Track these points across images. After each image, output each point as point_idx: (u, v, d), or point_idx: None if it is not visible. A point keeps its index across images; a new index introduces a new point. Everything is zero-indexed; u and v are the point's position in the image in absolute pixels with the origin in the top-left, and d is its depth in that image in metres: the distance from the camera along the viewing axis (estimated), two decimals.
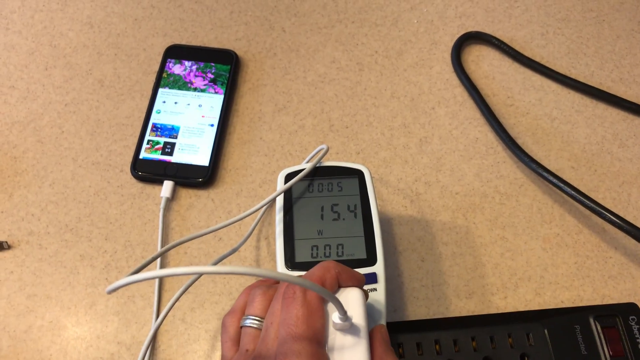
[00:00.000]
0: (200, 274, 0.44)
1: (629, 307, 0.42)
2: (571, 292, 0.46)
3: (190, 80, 0.55)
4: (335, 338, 0.30)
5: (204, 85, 0.54)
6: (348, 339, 0.30)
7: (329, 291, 0.28)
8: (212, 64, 0.56)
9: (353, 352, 0.29)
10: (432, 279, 0.46)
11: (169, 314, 0.45)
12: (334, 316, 0.29)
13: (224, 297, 0.46)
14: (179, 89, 0.54)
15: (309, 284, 0.27)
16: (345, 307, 0.30)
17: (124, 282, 0.25)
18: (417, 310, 0.45)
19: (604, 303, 0.45)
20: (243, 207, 0.50)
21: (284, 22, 0.59)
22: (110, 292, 0.25)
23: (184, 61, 0.56)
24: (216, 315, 0.45)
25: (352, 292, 0.31)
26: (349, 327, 0.30)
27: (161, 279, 0.47)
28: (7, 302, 0.46)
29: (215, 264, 0.45)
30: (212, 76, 0.55)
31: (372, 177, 0.42)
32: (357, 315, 0.30)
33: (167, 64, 0.56)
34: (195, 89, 0.54)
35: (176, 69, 0.55)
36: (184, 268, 0.24)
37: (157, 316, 0.45)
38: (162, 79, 0.55)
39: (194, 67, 0.55)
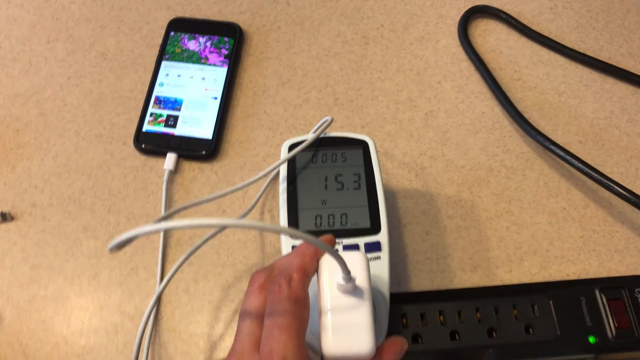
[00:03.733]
0: (210, 227, 0.44)
1: (636, 280, 0.41)
2: (577, 265, 0.45)
3: (205, 56, 0.54)
4: (338, 300, 0.29)
5: (220, 62, 0.54)
6: (351, 301, 0.29)
7: (331, 248, 0.28)
8: (226, 39, 0.55)
9: (355, 313, 0.29)
10: (436, 252, 0.46)
11: (172, 285, 0.45)
12: (338, 277, 0.29)
13: (228, 268, 0.46)
14: (184, 61, 0.54)
15: (320, 243, 0.27)
16: (352, 270, 0.29)
17: (130, 234, 0.25)
18: (421, 282, 0.45)
19: (610, 276, 0.44)
20: (246, 180, 0.49)
21: None
22: (113, 248, 0.25)
23: (198, 37, 0.55)
24: (219, 287, 0.45)
25: (356, 255, 0.31)
26: (352, 289, 0.30)
27: (165, 251, 0.46)
28: (10, 272, 0.46)
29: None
30: (226, 52, 0.54)
31: (376, 148, 0.41)
32: (361, 277, 0.30)
33: (182, 39, 0.55)
34: (206, 64, 0.53)
35: (191, 44, 0.55)
36: (191, 220, 0.24)
37: (161, 290, 0.45)
38: (176, 55, 0.54)
39: (209, 43, 0.55)
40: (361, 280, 0.30)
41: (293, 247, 0.37)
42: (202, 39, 0.55)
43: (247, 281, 0.45)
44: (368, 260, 0.31)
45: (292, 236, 0.26)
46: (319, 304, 0.30)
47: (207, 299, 0.45)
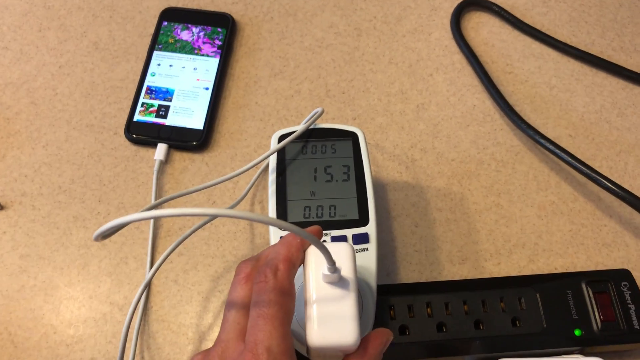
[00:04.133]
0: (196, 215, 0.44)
1: (622, 273, 0.42)
2: (565, 259, 0.46)
3: (198, 46, 0.54)
4: (324, 290, 0.30)
5: (212, 52, 0.53)
6: (336, 292, 0.30)
7: (317, 239, 0.28)
8: (219, 30, 0.55)
9: (340, 304, 0.29)
10: (425, 244, 0.46)
11: (162, 275, 0.45)
12: (323, 268, 0.29)
13: (217, 259, 0.46)
14: (176, 51, 0.54)
15: (305, 234, 0.27)
16: (337, 261, 0.30)
17: (114, 223, 0.25)
18: (410, 274, 0.45)
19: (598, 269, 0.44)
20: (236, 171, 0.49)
21: None
22: (98, 236, 0.25)
23: (191, 27, 0.55)
24: (209, 278, 0.45)
25: (342, 247, 0.31)
26: (337, 280, 0.30)
27: (154, 241, 0.46)
28: (0, 261, 0.46)
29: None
30: (219, 42, 0.54)
31: (366, 140, 0.41)
32: (347, 268, 0.30)
33: (175, 29, 0.55)
34: (199, 54, 0.53)
35: (184, 35, 0.54)
36: (175, 209, 0.24)
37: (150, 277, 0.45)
38: (169, 45, 0.54)
39: (202, 34, 0.54)
40: (347, 271, 0.30)
41: (281, 237, 0.37)
42: (195, 29, 0.55)
43: None
44: (354, 251, 0.31)
45: (280, 227, 0.26)
46: (305, 294, 0.30)
47: (196, 290, 0.45)
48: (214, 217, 0.44)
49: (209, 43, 0.54)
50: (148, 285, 0.41)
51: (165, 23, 0.55)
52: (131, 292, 0.45)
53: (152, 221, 0.47)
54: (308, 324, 0.29)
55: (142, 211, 0.26)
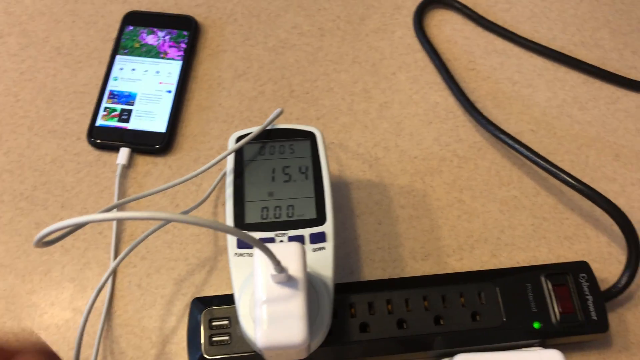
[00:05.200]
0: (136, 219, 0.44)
1: (580, 265, 0.42)
2: (527, 253, 0.46)
3: (164, 50, 0.54)
4: (272, 291, 0.30)
5: (177, 55, 0.53)
6: (285, 291, 0.30)
7: (259, 240, 0.28)
8: (185, 33, 0.55)
9: (289, 304, 0.29)
10: (388, 241, 0.46)
11: (125, 279, 0.45)
12: (271, 268, 0.29)
13: (181, 262, 0.46)
14: (142, 56, 0.53)
15: (249, 237, 0.27)
16: (284, 261, 0.30)
17: (52, 228, 0.25)
18: (373, 272, 0.45)
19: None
20: (200, 174, 0.49)
21: None
22: (37, 243, 0.25)
23: (157, 31, 0.55)
24: (172, 281, 0.45)
25: (291, 246, 0.31)
26: (286, 280, 0.30)
27: (117, 245, 0.46)
28: None
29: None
30: (185, 46, 0.54)
31: (324, 139, 0.41)
32: (295, 268, 0.30)
33: (140, 34, 0.54)
34: (165, 58, 0.53)
35: (150, 39, 0.54)
36: (116, 214, 0.24)
37: (112, 285, 0.45)
38: (134, 49, 0.54)
39: (167, 37, 0.54)
40: (295, 271, 0.30)
41: (238, 239, 0.37)
42: (161, 34, 0.55)
43: (199, 275, 0.45)
44: (304, 250, 0.31)
45: (220, 230, 0.26)
46: (254, 296, 0.30)
47: (160, 293, 0.45)
48: (164, 222, 0.44)
49: (175, 47, 0.54)
50: (100, 290, 0.41)
51: (131, 27, 0.55)
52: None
53: (114, 225, 0.47)
54: (257, 326, 0.29)
55: (82, 216, 0.26)
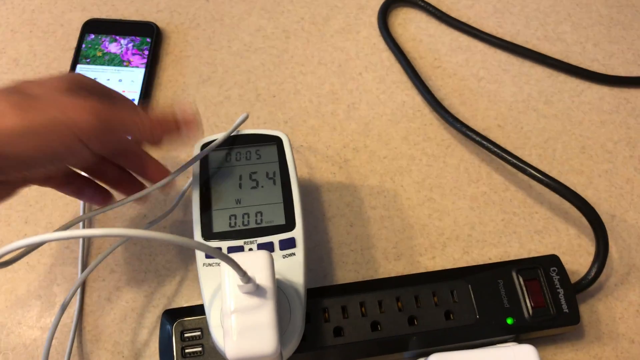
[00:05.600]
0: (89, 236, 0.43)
1: (550, 259, 0.42)
2: (498, 248, 0.46)
3: (127, 59, 0.53)
4: (240, 301, 0.29)
5: (141, 63, 0.52)
6: (253, 301, 0.29)
7: (225, 253, 0.27)
8: (148, 40, 0.54)
9: (258, 314, 0.29)
10: (360, 243, 0.46)
11: (94, 294, 0.44)
12: (238, 279, 0.29)
13: (150, 274, 0.45)
14: (105, 64, 0.52)
15: (212, 250, 0.26)
16: (251, 270, 0.29)
17: (8, 249, 0.24)
18: (347, 274, 0.45)
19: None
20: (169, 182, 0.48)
21: None
22: None
23: (119, 39, 0.53)
24: (143, 293, 0.44)
25: (258, 255, 0.31)
26: (254, 289, 0.29)
27: (85, 260, 0.45)
28: None
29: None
30: (147, 52, 0.53)
31: (290, 143, 0.41)
32: (263, 276, 0.30)
33: (102, 42, 0.53)
34: (129, 66, 0.52)
35: (112, 47, 0.53)
36: (67, 232, 0.23)
37: (80, 300, 0.44)
38: (97, 58, 0.53)
39: (130, 45, 0.53)
40: (263, 280, 0.30)
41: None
42: (123, 41, 0.54)
43: (170, 286, 0.44)
44: (271, 258, 0.31)
45: (183, 245, 0.25)
46: (223, 307, 0.30)
47: (130, 306, 0.44)
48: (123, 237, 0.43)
49: (139, 54, 0.53)
50: (66, 306, 0.40)
51: (92, 36, 0.54)
52: (65, 313, 0.43)
53: (80, 239, 0.46)
54: (226, 337, 0.29)
55: (37, 235, 0.25)
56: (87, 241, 0.46)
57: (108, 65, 0.52)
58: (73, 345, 0.42)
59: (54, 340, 0.42)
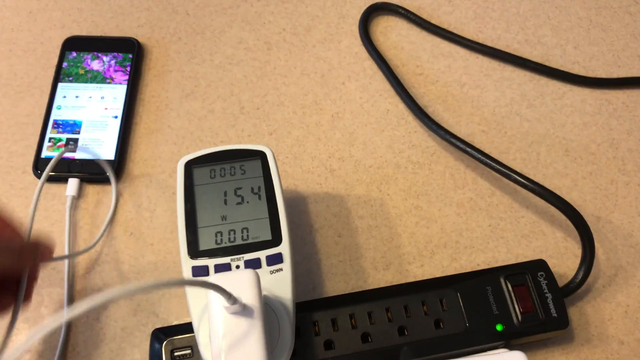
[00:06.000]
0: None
1: (538, 264, 0.42)
2: (486, 254, 0.46)
3: (110, 76, 0.52)
4: (227, 323, 0.29)
5: (123, 80, 0.52)
6: (241, 321, 0.29)
7: (208, 281, 0.27)
8: (131, 56, 0.53)
9: (246, 334, 0.29)
10: (349, 253, 0.46)
11: (83, 315, 0.44)
12: (224, 300, 0.29)
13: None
14: (87, 82, 0.52)
15: (192, 281, 0.26)
16: (237, 291, 0.29)
17: None
18: (336, 285, 0.45)
19: (518, 262, 0.45)
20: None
21: (187, 4, 0.57)
22: None
23: (102, 56, 0.53)
24: (131, 312, 0.44)
25: (243, 274, 0.31)
26: (241, 310, 0.29)
27: (71, 280, 0.45)
28: None
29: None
30: (129, 68, 0.53)
31: (274, 157, 0.41)
32: (249, 296, 0.30)
33: (84, 60, 0.53)
34: (111, 83, 0.52)
35: (95, 64, 0.53)
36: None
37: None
38: (79, 76, 0.52)
39: (113, 62, 0.53)
40: (249, 299, 0.30)
41: (193, 267, 0.37)
42: (105, 58, 0.53)
43: (159, 304, 0.44)
44: (256, 277, 0.31)
45: (161, 287, 0.25)
46: (210, 328, 0.30)
47: (119, 326, 0.44)
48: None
49: (121, 71, 0.53)
50: (66, 340, 0.39)
51: (75, 54, 0.54)
52: (51, 336, 0.43)
53: (66, 262, 0.45)
54: (215, 358, 0.29)
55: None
56: (73, 262, 0.46)
57: (90, 82, 0.52)
58: None
59: None
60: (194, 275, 0.36)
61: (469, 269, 0.46)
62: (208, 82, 0.54)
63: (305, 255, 0.46)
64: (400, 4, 0.57)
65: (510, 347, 0.40)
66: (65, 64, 0.53)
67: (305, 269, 0.45)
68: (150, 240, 0.46)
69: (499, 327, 0.40)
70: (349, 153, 0.50)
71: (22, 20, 0.57)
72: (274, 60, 0.55)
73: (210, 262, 0.37)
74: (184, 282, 0.26)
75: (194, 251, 0.37)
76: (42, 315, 0.44)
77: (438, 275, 0.45)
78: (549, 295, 0.41)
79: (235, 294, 0.28)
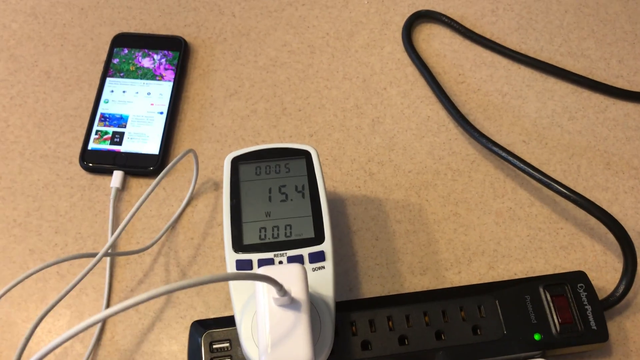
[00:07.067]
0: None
1: (577, 275, 0.42)
2: (524, 264, 0.46)
3: (160, 73, 0.53)
4: (275, 314, 0.30)
5: (173, 78, 0.53)
6: (288, 314, 0.30)
7: (261, 273, 0.28)
8: (179, 54, 0.54)
9: (293, 326, 0.29)
10: (386, 257, 0.46)
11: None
12: (273, 292, 0.29)
13: None
14: (138, 78, 0.53)
15: (247, 274, 0.27)
16: (286, 283, 0.30)
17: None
18: (372, 288, 0.45)
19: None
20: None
21: (233, 6, 0.59)
22: None
23: (152, 54, 0.54)
24: (170, 304, 0.45)
25: (292, 268, 0.31)
26: (289, 302, 0.30)
27: (112, 270, 0.46)
28: None
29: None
30: (176, 66, 0.54)
31: (319, 157, 0.41)
32: (297, 289, 0.30)
33: (136, 57, 0.54)
34: (162, 80, 0.53)
35: (145, 62, 0.54)
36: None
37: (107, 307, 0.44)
38: (130, 73, 0.53)
39: (163, 60, 0.54)
40: (297, 293, 0.30)
41: (237, 260, 0.37)
42: (156, 56, 0.54)
43: (199, 297, 0.45)
44: (305, 272, 0.31)
45: (211, 282, 0.26)
46: (257, 319, 0.30)
47: (158, 317, 0.44)
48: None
49: (171, 69, 0.54)
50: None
51: (126, 51, 0.55)
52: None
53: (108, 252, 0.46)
54: (261, 350, 0.29)
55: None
56: (114, 250, 0.47)
57: (141, 79, 0.53)
58: (99, 355, 0.43)
59: (82, 350, 0.43)
60: (238, 268, 0.37)
61: (506, 278, 0.46)
62: (252, 83, 0.54)
63: (342, 256, 0.46)
64: (444, 13, 0.57)
65: (547, 358, 0.40)
66: (116, 60, 0.54)
67: (342, 270, 0.46)
68: (190, 234, 0.47)
69: (537, 337, 0.40)
70: (389, 157, 0.51)
71: (74, 16, 0.58)
72: (317, 63, 0.56)
73: (254, 257, 0.37)
74: (238, 276, 0.26)
75: (238, 245, 0.38)
76: (84, 303, 0.45)
77: (475, 283, 0.45)
78: (588, 307, 0.41)
79: (285, 286, 0.29)
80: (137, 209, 0.41)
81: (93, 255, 0.42)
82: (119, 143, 0.50)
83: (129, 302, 0.24)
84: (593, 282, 0.43)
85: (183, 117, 0.53)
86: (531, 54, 0.56)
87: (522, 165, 0.46)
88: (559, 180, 0.48)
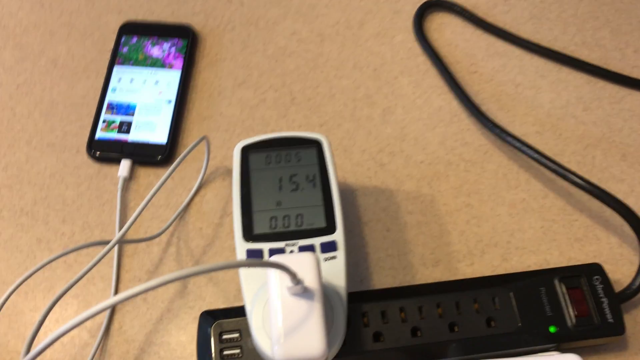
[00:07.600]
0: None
1: (593, 268, 0.41)
2: (538, 256, 0.45)
3: (170, 62, 0.53)
4: (288, 303, 0.29)
5: (182, 66, 0.52)
6: (301, 303, 0.29)
7: (275, 261, 0.27)
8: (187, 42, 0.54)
9: (306, 316, 0.29)
10: (397, 248, 0.46)
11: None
12: (286, 281, 0.29)
13: None
14: (146, 66, 0.52)
15: (261, 262, 0.26)
16: (299, 272, 0.29)
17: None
18: (384, 279, 0.45)
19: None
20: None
21: None
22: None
23: (162, 42, 0.54)
24: (179, 294, 0.44)
25: (305, 257, 0.30)
26: (302, 292, 0.29)
27: (120, 260, 0.45)
28: None
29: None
30: (184, 55, 0.53)
31: (330, 146, 0.41)
32: (310, 279, 0.30)
33: (145, 46, 0.53)
34: (171, 69, 0.52)
35: (155, 51, 0.53)
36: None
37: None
38: (139, 61, 0.53)
39: (173, 49, 0.53)
40: (311, 282, 0.29)
41: (248, 250, 0.37)
42: (166, 45, 0.54)
43: (208, 287, 0.44)
44: (318, 261, 0.31)
45: (227, 268, 0.25)
46: (269, 309, 0.30)
47: (166, 307, 0.44)
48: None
49: (181, 57, 0.53)
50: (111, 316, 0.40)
51: (135, 39, 0.54)
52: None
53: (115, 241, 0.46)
54: (274, 340, 0.29)
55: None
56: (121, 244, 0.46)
57: (150, 67, 0.53)
58: (107, 345, 0.42)
59: (89, 340, 0.42)
60: (249, 257, 0.36)
61: (519, 270, 0.45)
62: (260, 72, 0.54)
63: (353, 247, 0.46)
64: (456, 2, 0.57)
65: (562, 351, 0.39)
66: (125, 49, 0.54)
67: (353, 261, 0.45)
68: (199, 224, 0.47)
69: (552, 329, 0.39)
70: (400, 148, 0.50)
71: (81, 4, 0.58)
72: (327, 52, 0.55)
73: (265, 246, 0.37)
74: (251, 263, 0.26)
75: (249, 234, 0.37)
76: (92, 293, 0.44)
77: (488, 275, 0.44)
78: (604, 300, 0.40)
79: (298, 275, 0.28)
80: (152, 196, 0.41)
81: (105, 243, 0.41)
82: (127, 132, 0.50)
83: (140, 287, 0.23)
84: (609, 275, 0.42)
85: (191, 106, 0.52)
86: (545, 44, 0.55)
87: (536, 155, 0.45)
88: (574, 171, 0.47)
